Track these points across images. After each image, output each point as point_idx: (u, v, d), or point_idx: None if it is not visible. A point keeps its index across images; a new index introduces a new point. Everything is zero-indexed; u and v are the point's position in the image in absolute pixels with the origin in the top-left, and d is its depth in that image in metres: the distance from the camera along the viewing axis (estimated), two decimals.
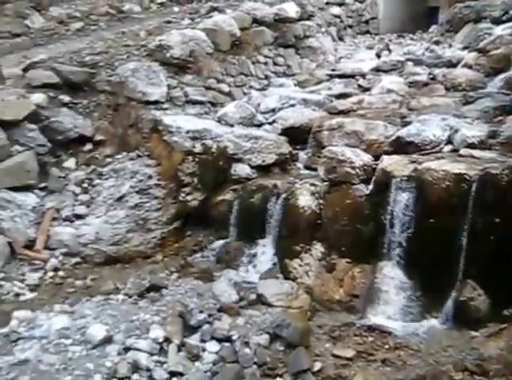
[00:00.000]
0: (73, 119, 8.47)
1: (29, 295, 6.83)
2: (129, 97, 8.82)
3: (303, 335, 5.82)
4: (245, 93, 10.27)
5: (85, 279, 7.12)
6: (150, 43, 9.73)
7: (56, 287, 7.01)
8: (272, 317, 6.14)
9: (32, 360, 5.52)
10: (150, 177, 8.01)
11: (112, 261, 7.46)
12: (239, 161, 7.96)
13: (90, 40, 10.97)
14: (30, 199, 7.71)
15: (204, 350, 5.69)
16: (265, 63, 11.16)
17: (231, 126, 8.68)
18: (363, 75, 10.75)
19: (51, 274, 7.20)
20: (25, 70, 9.05)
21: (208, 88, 9.72)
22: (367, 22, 16.24)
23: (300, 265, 6.97)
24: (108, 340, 5.73)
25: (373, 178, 6.78)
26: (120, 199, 7.83)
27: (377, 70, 11.06)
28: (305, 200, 7.11)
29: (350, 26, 15.40)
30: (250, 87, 10.50)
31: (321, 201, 7.07)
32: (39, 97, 8.33)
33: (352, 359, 5.66)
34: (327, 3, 14.70)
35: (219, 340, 5.78)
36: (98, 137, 8.58)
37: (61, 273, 7.23)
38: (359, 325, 6.16)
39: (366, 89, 10.01)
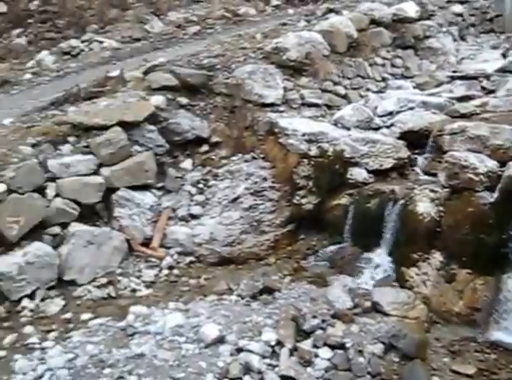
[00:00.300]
0: (190, 121, 8.60)
1: (145, 291, 7.02)
2: (245, 99, 8.89)
3: (419, 347, 5.59)
4: (361, 96, 10.08)
5: (199, 279, 7.21)
6: (267, 45, 9.76)
7: (171, 285, 7.15)
8: (387, 326, 5.96)
9: (147, 355, 5.68)
10: (264, 179, 8.01)
11: (226, 262, 7.52)
12: (356, 165, 7.78)
13: (207, 43, 11.15)
14: (148, 198, 7.93)
15: (316, 356, 5.59)
16: (383, 65, 10.91)
17: (348, 129, 8.52)
18: (487, 76, 10.21)
19: (166, 272, 7.36)
20: (145, 73, 9.31)
21: (324, 90, 9.63)
22: (491, 20, 15.36)
23: (417, 274, 6.69)
24: (220, 340, 5.79)
25: (499, 185, 6.40)
26: (234, 200, 7.88)
27: (503, 70, 10.45)
28: (424, 207, 6.80)
29: (473, 25, 14.66)
30: (367, 89, 10.29)
31: (441, 208, 6.73)
32: (158, 99, 8.52)
33: (473, 376, 5.35)
34: (449, 1, 14.09)
35: (332, 347, 5.67)
36: (214, 139, 8.68)
37: (176, 271, 7.38)
38: (480, 341, 5.83)
39: (491, 91, 9.50)
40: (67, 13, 15.77)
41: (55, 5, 16.02)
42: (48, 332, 6.19)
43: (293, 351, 5.62)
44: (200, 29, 13.42)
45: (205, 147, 8.66)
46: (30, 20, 15.55)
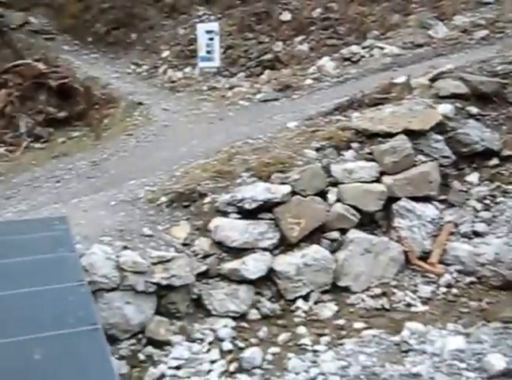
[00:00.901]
0: (480, 132, 8.11)
1: (421, 308, 6.72)
2: None
3: None
4: None
5: (480, 302, 6.69)
6: None
7: (449, 304, 6.76)
8: None
9: (423, 376, 5.42)
10: None
11: (510, 287, 6.89)
12: None
13: (498, 49, 10.44)
14: (429, 210, 7.63)
15: None
16: None
17: None
18: None
19: (443, 290, 6.97)
20: (432, 79, 9.01)
21: None
22: None
23: None
24: (507, 374, 5.30)
25: None
26: None
27: None
28: None
29: None
30: None
31: None
32: (446, 108, 8.20)
33: None
34: None
35: None
36: (506, 152, 8.05)
37: (454, 290, 6.95)
38: None
39: None
40: (348, 20, 15.99)
41: (337, 13, 16.35)
42: (320, 335, 6.24)
43: None
44: (488, 34, 12.62)
45: (495, 161, 8.09)
46: (312, 28, 16.06)
